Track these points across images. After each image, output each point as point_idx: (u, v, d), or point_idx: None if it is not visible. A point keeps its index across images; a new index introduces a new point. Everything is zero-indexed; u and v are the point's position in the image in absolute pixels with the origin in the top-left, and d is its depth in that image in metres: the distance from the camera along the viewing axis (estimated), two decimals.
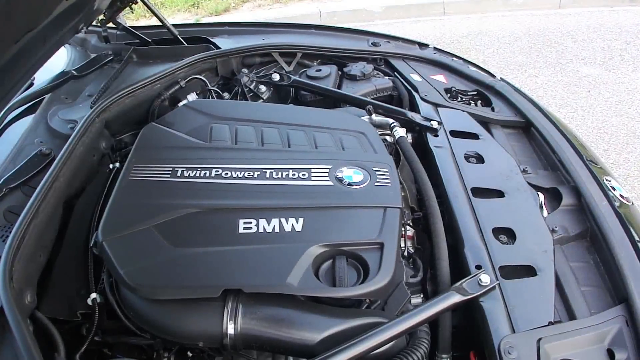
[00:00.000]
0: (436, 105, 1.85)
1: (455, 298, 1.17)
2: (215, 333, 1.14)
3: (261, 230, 1.30)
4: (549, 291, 1.22)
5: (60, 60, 2.09)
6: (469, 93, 2.00)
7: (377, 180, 1.44)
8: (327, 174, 1.45)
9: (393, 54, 2.15)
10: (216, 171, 1.47)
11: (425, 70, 2.10)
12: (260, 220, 1.32)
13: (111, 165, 1.69)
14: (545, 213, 1.46)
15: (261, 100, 2.03)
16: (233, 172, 1.47)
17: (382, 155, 1.53)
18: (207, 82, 2.02)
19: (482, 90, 2.00)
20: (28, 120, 1.77)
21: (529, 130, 1.79)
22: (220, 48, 2.15)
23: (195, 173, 1.47)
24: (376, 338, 1.09)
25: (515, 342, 1.09)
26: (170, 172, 1.48)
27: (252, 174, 1.46)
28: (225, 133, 1.63)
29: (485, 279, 1.21)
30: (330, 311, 1.18)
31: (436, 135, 1.71)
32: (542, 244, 1.33)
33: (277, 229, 1.29)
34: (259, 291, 1.17)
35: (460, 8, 5.61)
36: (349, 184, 1.42)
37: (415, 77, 2.02)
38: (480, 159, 1.62)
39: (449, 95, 1.96)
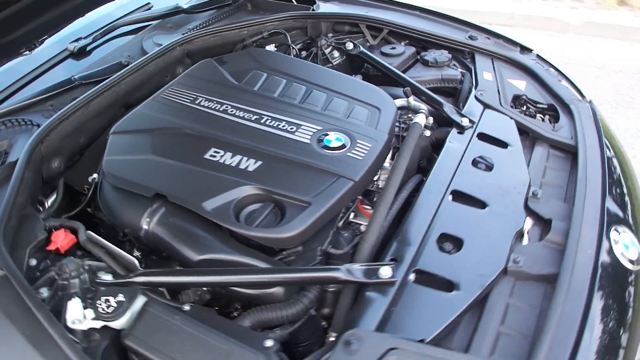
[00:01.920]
0: (486, 106, 1.72)
1: (337, 274, 1.14)
2: (135, 224, 1.32)
3: (222, 160, 1.41)
4: (450, 312, 1.10)
5: None
6: (539, 105, 1.80)
7: (354, 151, 1.43)
8: (311, 133, 1.49)
9: (480, 49, 2.01)
10: (225, 107, 1.61)
11: (509, 72, 1.94)
12: (227, 153, 1.43)
13: None
14: (525, 241, 1.29)
15: (330, 65, 2.09)
16: (238, 112, 1.59)
17: (378, 132, 1.50)
18: (288, 37, 2.14)
19: (557, 106, 1.78)
20: (128, 38, 2.11)
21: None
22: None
23: (209, 105, 1.63)
24: (239, 277, 1.14)
25: (363, 338, 1.02)
26: (191, 99, 1.66)
27: (251, 116, 1.56)
28: (259, 80, 1.75)
29: (385, 272, 1.15)
30: (223, 241, 1.25)
31: (460, 132, 1.60)
32: (483, 267, 1.19)
33: (233, 164, 1.39)
34: (178, 203, 1.30)
35: None
36: (324, 147, 1.44)
37: (486, 76, 1.87)
38: (489, 167, 1.49)
39: (516, 102, 1.80)
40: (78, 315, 1.12)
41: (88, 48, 2.05)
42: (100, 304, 1.13)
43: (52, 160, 1.59)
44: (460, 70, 1.98)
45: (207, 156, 1.42)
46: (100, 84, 1.75)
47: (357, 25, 2.20)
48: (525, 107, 1.80)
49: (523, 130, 1.66)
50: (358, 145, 1.45)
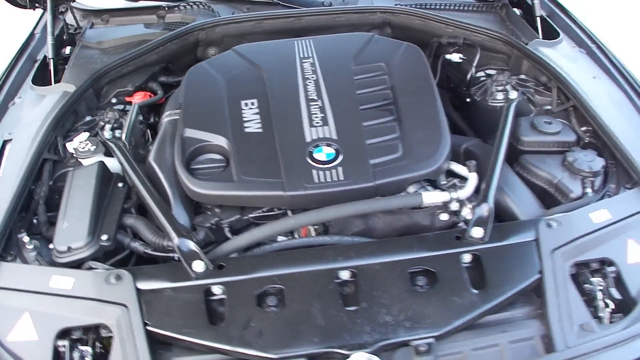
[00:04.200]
0: (536, 241, 1.31)
1: (172, 236, 1.28)
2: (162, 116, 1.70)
3: (243, 111, 1.57)
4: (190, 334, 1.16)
5: None
6: (615, 292, 1.27)
7: (322, 172, 1.39)
8: (320, 135, 1.48)
9: None
10: (310, 76, 1.67)
11: None
12: (255, 109, 1.57)
13: None
14: None
15: (486, 104, 1.83)
16: (311, 85, 1.64)
17: (366, 175, 1.38)
18: (478, 55, 1.93)
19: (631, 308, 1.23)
20: None
21: None
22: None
23: (304, 67, 1.71)
24: (141, 190, 1.41)
25: (122, 280, 1.21)
26: (303, 56, 1.77)
27: (312, 94, 1.61)
28: (372, 72, 1.70)
29: (197, 266, 1.24)
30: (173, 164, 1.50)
31: (458, 238, 1.31)
32: (273, 339, 1.14)
33: (245, 119, 1.54)
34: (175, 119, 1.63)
35: None
36: (309, 152, 1.44)
37: (597, 216, 1.38)
38: (428, 286, 1.23)
39: (598, 267, 1.32)
40: (76, 142, 1.59)
41: None
42: (82, 142, 1.56)
43: (208, 47, 2.03)
44: (591, 190, 1.47)
45: (242, 102, 1.60)
46: (284, 11, 2.03)
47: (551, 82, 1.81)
48: (599, 279, 1.30)
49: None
50: (335, 171, 1.39)
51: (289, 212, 1.42)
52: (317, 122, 1.52)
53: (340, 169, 1.40)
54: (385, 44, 1.86)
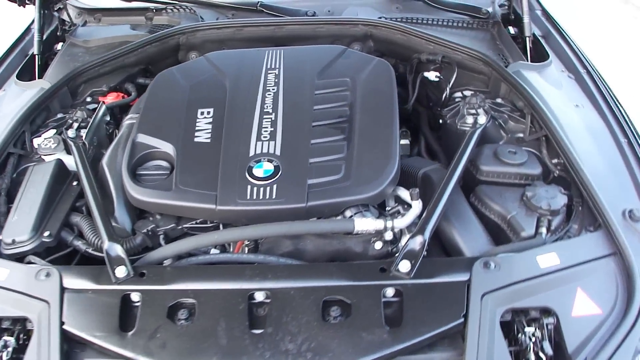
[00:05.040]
0: (468, 284, 1.22)
1: (105, 239, 1.31)
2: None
3: (198, 120, 1.58)
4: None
5: None
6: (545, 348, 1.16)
7: (257, 189, 1.38)
8: (264, 150, 1.47)
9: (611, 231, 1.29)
10: (270, 87, 1.66)
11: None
12: (210, 119, 1.59)
13: None
14: None
15: (455, 129, 1.78)
16: (269, 97, 1.63)
17: (300, 196, 1.36)
18: (454, 74, 1.88)
19: None
20: None
21: None
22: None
23: (268, 78, 1.70)
24: (87, 190, 1.45)
25: (52, 276, 1.25)
26: (270, 67, 1.76)
27: (268, 106, 1.60)
28: (337, 87, 1.68)
29: (120, 272, 1.25)
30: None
31: (383, 270, 1.25)
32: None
33: (198, 128, 1.56)
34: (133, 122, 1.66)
35: None
36: (249, 167, 1.43)
37: (547, 260, 1.27)
38: (341, 316, 1.19)
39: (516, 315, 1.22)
40: (42, 138, 1.66)
41: None
42: (45, 139, 1.63)
43: (189, 51, 2.07)
44: (546, 230, 1.36)
45: (199, 110, 1.61)
46: (264, 19, 2.04)
47: (531, 110, 1.72)
48: (533, 329, 1.18)
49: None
50: (269, 188, 1.38)
51: (221, 226, 1.43)
52: (265, 137, 1.51)
53: (275, 186, 1.38)
54: (355, 59, 1.83)
